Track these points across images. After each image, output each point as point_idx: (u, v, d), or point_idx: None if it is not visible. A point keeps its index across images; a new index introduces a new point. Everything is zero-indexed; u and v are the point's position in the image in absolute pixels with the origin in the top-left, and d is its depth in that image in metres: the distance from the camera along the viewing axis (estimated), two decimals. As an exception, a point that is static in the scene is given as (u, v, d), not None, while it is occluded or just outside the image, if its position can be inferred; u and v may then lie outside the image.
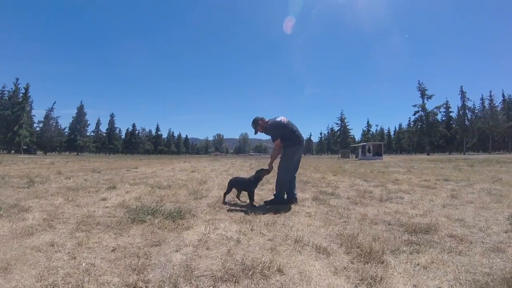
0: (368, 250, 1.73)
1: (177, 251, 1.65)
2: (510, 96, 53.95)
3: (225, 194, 3.14)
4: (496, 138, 53.82)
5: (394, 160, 21.25)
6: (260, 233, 2.07)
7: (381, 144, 32.64)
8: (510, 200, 3.34)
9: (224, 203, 2.99)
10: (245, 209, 2.89)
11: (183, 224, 2.21)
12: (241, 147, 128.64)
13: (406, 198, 3.74)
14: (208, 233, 2.02)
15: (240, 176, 3.58)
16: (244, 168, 10.81)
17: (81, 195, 3.52)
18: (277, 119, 3.08)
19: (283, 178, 3.04)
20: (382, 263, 1.56)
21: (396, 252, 1.77)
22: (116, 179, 5.57)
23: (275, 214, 2.67)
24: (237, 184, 3.18)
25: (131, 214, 2.42)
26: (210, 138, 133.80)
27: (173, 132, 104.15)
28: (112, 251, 1.62)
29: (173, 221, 2.26)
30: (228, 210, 2.80)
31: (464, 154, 46.70)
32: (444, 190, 4.24)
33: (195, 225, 2.22)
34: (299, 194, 3.49)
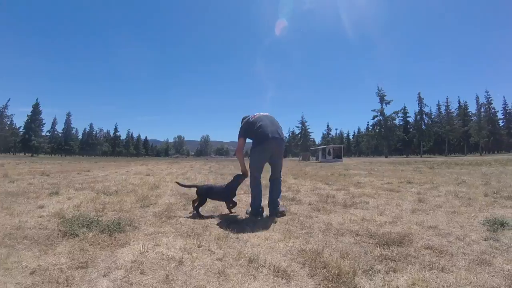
0: (336, 271, 2.01)
1: (105, 275, 2.00)
2: (466, 102, 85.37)
3: (198, 206, 3.88)
4: (452, 141, 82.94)
5: (354, 162, 28.82)
6: (208, 250, 2.53)
7: (341, 147, 44.95)
8: (480, 203, 4.76)
9: (202, 217, 3.78)
10: (196, 219, 3.68)
11: (120, 239, 2.71)
12: (203, 150, 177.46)
13: (372, 202, 4.96)
14: (147, 251, 2.44)
15: (214, 184, 4.88)
16: (203, 171, 14.46)
17: (19, 201, 4.61)
18: (248, 116, 4.05)
19: (251, 186, 3.94)
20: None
21: (370, 272, 2.10)
22: (63, 184, 7.31)
23: (229, 225, 3.39)
24: (211, 193, 4.04)
25: (64, 225, 3.07)
26: (171, 140, 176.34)
27: (132, 133, 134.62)
28: (30, 273, 2.00)
29: (110, 235, 2.80)
30: (176, 221, 3.57)
31: (421, 156, 69.93)
32: (410, 194, 5.87)
33: (133, 241, 2.73)
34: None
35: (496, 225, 3.21)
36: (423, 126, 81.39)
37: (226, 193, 4.01)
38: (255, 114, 4.01)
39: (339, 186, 7.35)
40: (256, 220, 3.71)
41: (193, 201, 4.05)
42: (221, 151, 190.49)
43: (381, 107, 74.84)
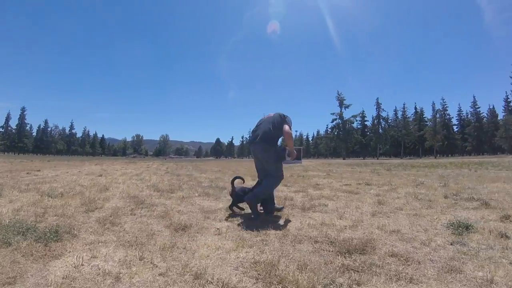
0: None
1: (31, 294, 2.08)
2: (422, 108, 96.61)
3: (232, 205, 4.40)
4: (407, 145, 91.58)
5: (313, 164, 29.08)
6: (151, 263, 2.41)
7: (300, 149, 40.53)
8: (441, 205, 4.93)
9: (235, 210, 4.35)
10: (143, 225, 3.57)
11: (55, 250, 2.66)
12: (162, 149, 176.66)
13: (331, 205, 5.01)
14: (82, 265, 2.36)
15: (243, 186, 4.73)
16: (159, 172, 14.46)
17: (-44, 206, 4.79)
18: None
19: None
20: (316, 308, 1.92)
21: (331, 286, 1.95)
22: (8, 184, 7.25)
23: (178, 232, 3.30)
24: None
25: (-1, 233, 3.16)
26: (129, 138, 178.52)
27: (88, 131, 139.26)
28: None
29: (45, 245, 2.74)
30: (120, 228, 3.46)
31: (377, 159, 74.52)
32: (369, 195, 5.99)
33: (69, 252, 2.66)
34: (211, 203, 4.97)
35: (460, 228, 3.23)
36: (380, 130, 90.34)
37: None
38: (266, 115, 4.49)
39: (298, 188, 7.45)
40: (209, 226, 3.56)
41: (230, 207, 4.38)
42: (181, 151, 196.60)
43: (340, 111, 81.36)
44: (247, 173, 12.65)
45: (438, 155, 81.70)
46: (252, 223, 3.74)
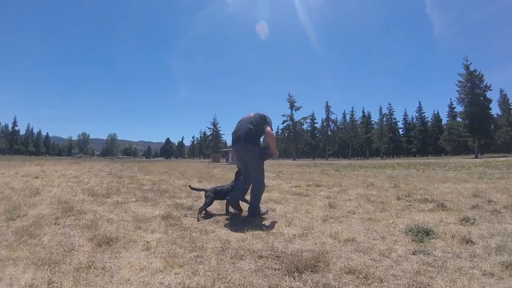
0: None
1: None
2: (369, 112, 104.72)
3: (204, 207, 4.36)
4: (355, 146, 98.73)
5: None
6: None
7: None
8: (395, 208, 4.81)
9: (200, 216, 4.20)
10: (64, 238, 3.21)
11: None
12: (109, 149, 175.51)
13: (279, 209, 4.84)
14: None
15: (221, 185, 4.97)
16: (102, 173, 13.80)
17: None
18: None
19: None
20: None
21: None
22: None
23: (100, 247, 2.89)
24: (220, 193, 4.57)
25: None
26: (74, 137, 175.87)
27: (32, 129, 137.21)
28: None
29: None
30: (38, 241, 3.16)
31: (326, 159, 79.79)
32: (319, 198, 5.86)
33: None
34: (147, 210, 4.70)
35: (420, 234, 3.03)
36: (329, 132, 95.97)
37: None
38: (243, 116, 4.62)
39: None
40: (137, 239, 3.15)
41: (200, 209, 4.28)
42: (129, 151, 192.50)
43: (291, 113, 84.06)
44: (195, 175, 12.96)
45: (384, 156, 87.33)
46: (187, 233, 3.33)
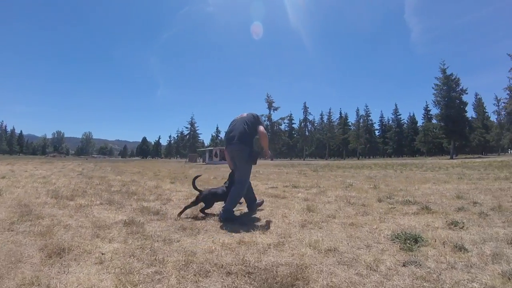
0: None
1: None
2: (346, 114, 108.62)
3: (204, 209, 4.44)
4: (332, 147, 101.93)
5: None
6: None
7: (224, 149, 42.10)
8: (377, 211, 4.59)
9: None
10: (14, 247, 2.95)
11: None
12: (84, 148, 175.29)
13: (253, 214, 4.57)
14: None
15: (214, 188, 4.86)
16: (72, 173, 13.49)
17: None
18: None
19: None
20: None
21: None
22: None
23: (50, 258, 2.63)
24: (216, 196, 4.52)
25: None
26: (49, 136, 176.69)
27: (5, 126, 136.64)
28: None
29: None
30: None
31: (304, 160, 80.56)
32: (297, 200, 5.63)
33: None
34: (109, 215, 4.45)
35: (409, 241, 2.78)
36: (307, 133, 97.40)
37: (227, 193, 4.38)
38: (236, 116, 4.70)
39: None
40: (93, 250, 2.83)
41: (186, 207, 4.39)
42: (105, 150, 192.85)
43: (269, 113, 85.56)
44: (168, 176, 12.56)
45: (361, 157, 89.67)
46: (148, 243, 2.99)
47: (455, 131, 50.67)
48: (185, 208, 4.36)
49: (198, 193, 4.51)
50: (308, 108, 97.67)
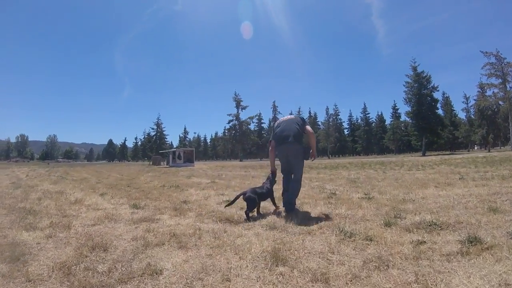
0: None
1: None
2: (315, 113, 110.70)
3: (249, 210, 4.43)
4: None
5: (206, 167, 28.63)
6: None
7: (192, 150, 45.28)
8: (398, 254, 2.55)
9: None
10: None
11: None
12: (49, 152, 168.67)
13: (174, 264, 2.57)
14: None
15: (256, 187, 4.90)
16: (5, 182, 12.76)
17: None
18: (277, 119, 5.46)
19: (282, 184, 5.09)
20: None
21: None
22: None
23: None
24: (261, 195, 4.66)
25: None
26: (12, 139, 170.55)
27: None
28: None
29: None
30: None
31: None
32: (257, 231, 3.66)
33: None
34: None
35: None
36: None
37: (271, 192, 4.77)
38: (281, 118, 5.14)
39: (150, 211, 5.02)
40: None
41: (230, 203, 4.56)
42: (70, 154, 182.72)
43: (237, 112, 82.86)
44: (110, 184, 10.75)
45: (331, 155, 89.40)
46: None
47: (426, 128, 50.94)
48: (247, 213, 4.24)
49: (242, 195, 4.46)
50: (277, 107, 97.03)
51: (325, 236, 3.14)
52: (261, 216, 4.40)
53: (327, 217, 3.99)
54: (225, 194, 6.90)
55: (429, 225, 3.35)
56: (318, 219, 3.90)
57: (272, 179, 4.86)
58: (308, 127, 4.72)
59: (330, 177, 10.79)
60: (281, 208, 4.67)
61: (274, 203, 4.81)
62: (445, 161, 17.99)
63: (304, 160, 4.71)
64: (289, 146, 4.60)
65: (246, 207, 4.32)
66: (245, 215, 4.24)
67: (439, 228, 3.26)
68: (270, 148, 5.02)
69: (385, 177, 9.51)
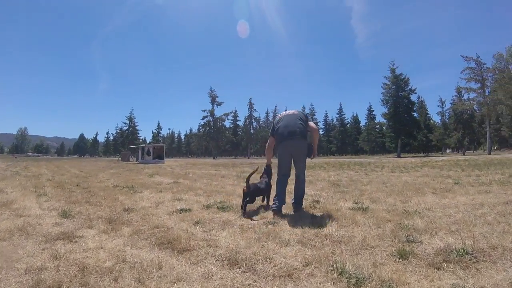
0: None
1: None
2: None
3: (246, 204, 4.45)
4: None
5: (176, 164, 27.13)
6: None
7: (163, 146, 44.40)
8: None
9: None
10: None
11: None
12: (19, 145, 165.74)
13: None
14: None
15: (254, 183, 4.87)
16: None
17: None
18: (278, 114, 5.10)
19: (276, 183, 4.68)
20: None
21: None
22: None
23: None
24: (258, 191, 4.71)
25: None
26: None
27: None
28: None
29: None
30: None
31: (248, 158, 78.11)
32: (210, 262, 2.59)
33: None
34: None
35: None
36: (252, 130, 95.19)
37: (269, 187, 4.81)
38: (282, 112, 4.84)
39: (79, 222, 4.03)
40: None
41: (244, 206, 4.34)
42: (41, 148, 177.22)
43: (212, 108, 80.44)
44: (61, 182, 9.60)
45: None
46: None
47: (402, 129, 51.10)
48: (244, 207, 4.24)
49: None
50: (253, 104, 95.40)
51: (316, 282, 2.02)
52: (227, 234, 3.23)
53: (314, 243, 2.83)
54: (183, 199, 5.74)
55: (460, 255, 2.35)
56: (301, 247, 2.75)
57: (268, 172, 4.84)
58: (312, 123, 4.51)
59: (309, 178, 9.65)
60: (270, 211, 4.19)
61: (267, 200, 4.72)
62: (426, 163, 17.24)
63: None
64: (295, 142, 4.34)
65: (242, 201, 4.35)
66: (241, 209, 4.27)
67: (475, 260, 2.29)
68: (268, 144, 4.73)
69: (370, 180, 8.53)
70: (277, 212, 4.18)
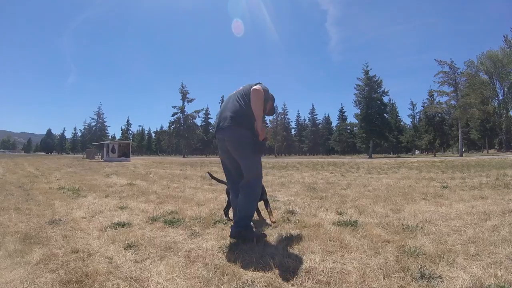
0: None
1: None
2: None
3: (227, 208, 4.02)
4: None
5: (141, 162, 26.16)
6: None
7: (128, 144, 42.88)
8: None
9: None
10: None
11: None
12: None
13: None
14: None
15: None
16: None
17: None
18: None
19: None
20: None
21: None
22: None
23: None
24: None
25: None
26: None
27: None
28: None
29: None
30: None
31: (219, 157, 67.31)
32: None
33: None
34: None
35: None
36: None
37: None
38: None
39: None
40: None
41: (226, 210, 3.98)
42: (7, 144, 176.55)
43: (183, 104, 78.35)
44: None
45: (277, 154, 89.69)
46: None
47: (374, 130, 51.86)
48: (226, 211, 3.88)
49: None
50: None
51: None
52: (164, 268, 2.25)
53: (289, 286, 1.94)
54: (128, 207, 4.77)
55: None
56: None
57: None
58: (254, 87, 2.96)
59: (281, 180, 9.01)
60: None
61: (269, 207, 3.76)
62: (402, 164, 16.87)
63: (260, 153, 3.04)
64: (225, 133, 3.04)
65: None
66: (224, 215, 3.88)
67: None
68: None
69: (349, 183, 7.78)
70: (234, 236, 2.98)
